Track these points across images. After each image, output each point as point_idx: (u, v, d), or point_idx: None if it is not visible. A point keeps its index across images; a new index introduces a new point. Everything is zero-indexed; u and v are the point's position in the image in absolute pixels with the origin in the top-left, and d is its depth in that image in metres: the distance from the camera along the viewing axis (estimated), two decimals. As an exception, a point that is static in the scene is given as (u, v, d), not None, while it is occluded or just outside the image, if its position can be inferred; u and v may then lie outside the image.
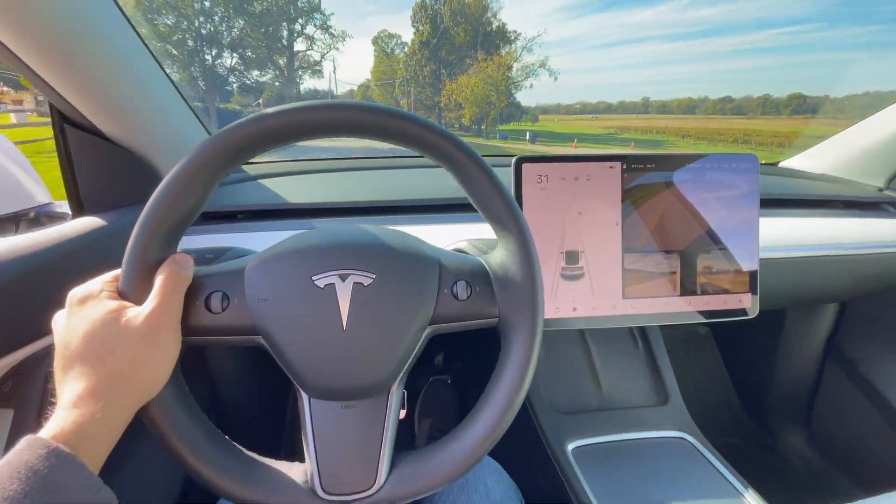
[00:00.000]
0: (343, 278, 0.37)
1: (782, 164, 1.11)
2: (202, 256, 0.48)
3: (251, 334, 0.38)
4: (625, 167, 0.61)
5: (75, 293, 0.34)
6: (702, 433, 0.70)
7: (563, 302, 0.62)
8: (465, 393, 1.11)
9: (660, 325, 0.83)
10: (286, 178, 0.81)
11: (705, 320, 0.64)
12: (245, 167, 0.87)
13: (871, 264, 0.83)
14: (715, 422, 1.19)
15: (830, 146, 1.03)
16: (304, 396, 0.38)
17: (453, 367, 1.16)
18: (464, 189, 0.41)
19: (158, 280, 0.35)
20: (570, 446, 0.67)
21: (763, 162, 1.11)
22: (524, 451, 0.73)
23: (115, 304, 0.34)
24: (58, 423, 0.29)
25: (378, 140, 0.40)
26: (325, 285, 0.37)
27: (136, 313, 0.33)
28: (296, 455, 0.40)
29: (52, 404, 0.32)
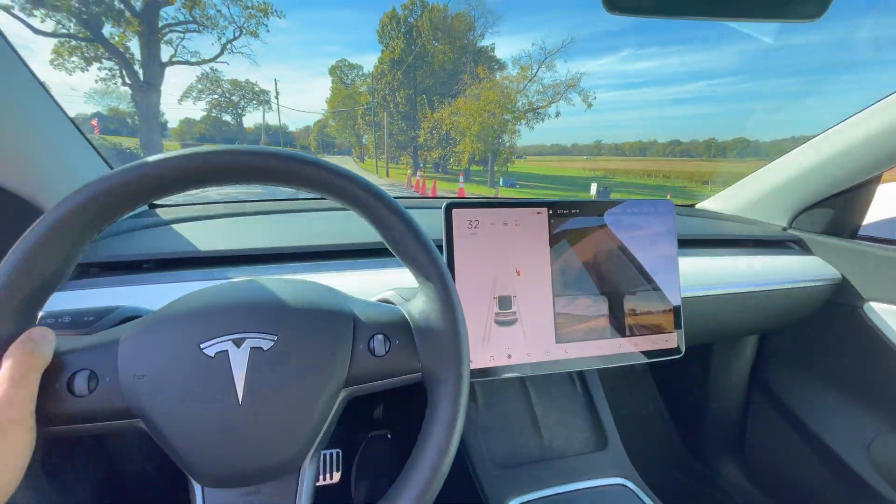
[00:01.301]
0: (238, 343, 0.33)
1: (699, 205, 1.20)
2: (79, 319, 0.42)
3: (126, 418, 0.32)
4: (551, 213, 0.63)
5: None
6: (640, 476, 0.70)
7: (497, 349, 0.60)
8: (407, 448, 1.04)
9: None
10: (202, 222, 0.75)
11: (637, 361, 0.65)
12: (158, 210, 0.80)
13: (780, 299, 0.89)
14: (655, 459, 1.20)
15: (741, 188, 1.13)
16: (196, 486, 0.33)
17: (394, 420, 1.10)
18: (379, 234, 0.38)
19: (6, 365, 0.29)
20: None
21: (680, 204, 1.19)
22: None
23: None
24: None
25: (278, 185, 0.36)
26: (216, 353, 0.33)
27: None
28: None
29: None
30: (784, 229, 1.04)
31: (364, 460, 0.97)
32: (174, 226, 0.72)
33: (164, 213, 0.78)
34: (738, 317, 0.91)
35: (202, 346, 0.33)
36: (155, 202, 0.82)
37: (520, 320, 0.61)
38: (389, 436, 1.05)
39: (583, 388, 0.80)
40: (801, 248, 1.00)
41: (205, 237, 0.69)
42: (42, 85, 0.57)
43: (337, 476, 0.90)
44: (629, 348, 0.65)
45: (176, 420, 0.32)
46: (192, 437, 0.32)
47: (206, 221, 0.76)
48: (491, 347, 0.60)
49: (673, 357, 0.67)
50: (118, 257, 0.62)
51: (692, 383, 1.18)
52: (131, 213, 0.77)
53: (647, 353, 0.65)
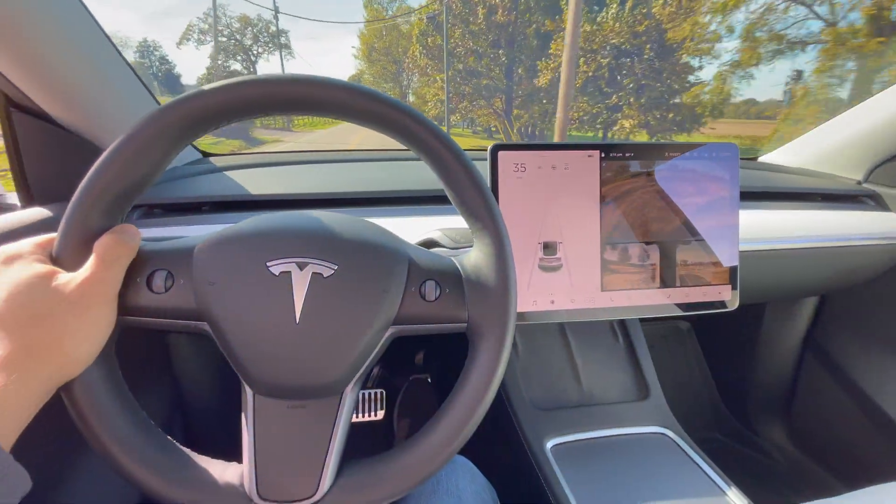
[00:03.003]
0: (301, 267, 0.35)
1: (762, 158, 1.11)
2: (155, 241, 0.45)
3: (195, 319, 0.35)
4: (603, 156, 0.60)
5: (2, 252, 0.31)
6: (682, 429, 0.69)
7: (541, 294, 0.60)
8: (445, 392, 1.09)
9: (640, 319, 0.82)
10: (253, 169, 0.78)
11: (685, 313, 0.63)
12: (212, 159, 0.84)
13: (850, 257, 0.83)
14: (696, 417, 1.18)
15: (809, 140, 1.03)
16: (249, 392, 0.35)
17: (434, 366, 1.14)
18: (441, 182, 0.39)
19: (98, 247, 0.32)
20: (549, 444, 0.65)
21: (743, 157, 1.11)
22: (501, 449, 0.71)
23: (44, 268, 0.30)
24: None
25: (355, 122, 0.37)
26: (280, 273, 0.34)
27: (68, 280, 0.30)
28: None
29: None
30: (859, 183, 0.95)
31: (405, 401, 1.02)
32: (227, 172, 0.76)
33: (217, 161, 0.81)
34: (798, 275, 0.85)
35: (268, 264, 0.34)
36: (207, 152, 0.86)
37: (565, 266, 0.60)
38: (429, 380, 1.09)
39: (625, 341, 0.79)
40: (878, 203, 0.91)
41: (257, 183, 0.71)
42: (104, 33, 0.60)
43: (381, 414, 0.96)
44: (679, 299, 0.63)
45: (238, 328, 0.34)
46: (250, 346, 0.34)
47: (256, 169, 0.79)
48: (534, 292, 0.60)
49: (724, 311, 0.64)
50: (180, 199, 0.66)
51: (739, 344, 1.14)
52: (188, 161, 0.81)
53: (697, 305, 0.63)
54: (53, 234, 0.33)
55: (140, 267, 0.34)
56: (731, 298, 0.65)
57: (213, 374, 0.84)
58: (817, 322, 1.05)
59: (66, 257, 0.32)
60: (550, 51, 14.00)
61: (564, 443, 0.66)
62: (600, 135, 13.89)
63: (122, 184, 0.33)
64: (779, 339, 1.07)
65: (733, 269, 0.65)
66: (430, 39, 17.73)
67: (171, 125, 0.33)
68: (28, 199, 0.59)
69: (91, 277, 0.31)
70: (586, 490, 0.58)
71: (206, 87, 0.33)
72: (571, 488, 0.58)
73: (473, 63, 16.55)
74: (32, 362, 0.28)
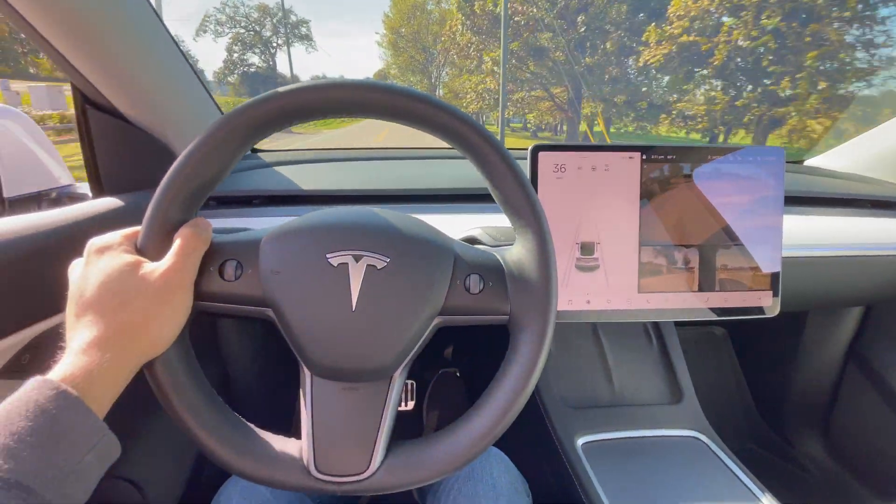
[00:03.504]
0: (356, 259, 0.37)
1: (808, 162, 1.08)
2: (219, 232, 0.48)
3: (261, 306, 0.38)
4: (644, 158, 0.60)
5: (94, 243, 0.35)
6: (717, 434, 0.69)
7: (577, 294, 0.60)
8: (473, 386, 1.11)
9: (675, 323, 0.81)
10: (301, 165, 0.81)
11: (723, 318, 0.63)
12: (261, 154, 0.88)
13: None
14: (728, 425, 1.16)
15: (858, 145, 0.99)
16: (307, 373, 0.38)
17: (463, 361, 1.16)
18: (485, 180, 0.41)
19: (178, 240, 0.35)
20: (580, 441, 0.66)
21: (787, 160, 1.08)
22: (532, 444, 0.73)
23: (132, 258, 0.34)
24: (67, 367, 0.29)
25: (404, 124, 0.40)
26: (339, 264, 0.37)
27: (153, 269, 0.33)
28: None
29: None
30: None
31: (435, 393, 1.05)
32: (276, 168, 0.79)
33: (265, 157, 0.85)
34: (844, 283, 0.82)
35: (328, 255, 0.37)
36: (256, 147, 0.90)
37: (602, 267, 0.61)
38: (458, 374, 1.11)
39: (659, 344, 0.78)
40: None
41: (304, 178, 0.75)
42: (173, 39, 0.64)
43: (411, 404, 0.98)
44: (717, 303, 0.62)
45: (300, 314, 0.37)
46: (310, 331, 0.37)
47: (303, 165, 0.82)
48: (570, 292, 0.60)
49: (764, 317, 0.63)
50: (233, 192, 0.70)
51: (777, 354, 1.11)
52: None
53: (736, 311, 0.63)
54: (138, 227, 0.36)
55: (213, 257, 0.37)
56: (771, 305, 0.64)
57: (256, 356, 0.89)
58: (861, 333, 1.01)
59: (149, 248, 0.35)
60: (673, 7, 8.16)
61: (595, 441, 0.66)
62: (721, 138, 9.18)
63: (196, 181, 0.36)
64: (820, 349, 1.03)
65: (775, 276, 0.64)
66: (477, 4, 12.49)
67: (239, 128, 0.36)
68: (99, 190, 0.64)
69: (172, 267, 0.34)
70: (618, 488, 0.59)
71: (268, 93, 0.36)
72: (602, 485, 0.59)
73: (531, 40, 10.67)
74: (123, 342, 0.31)
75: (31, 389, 0.27)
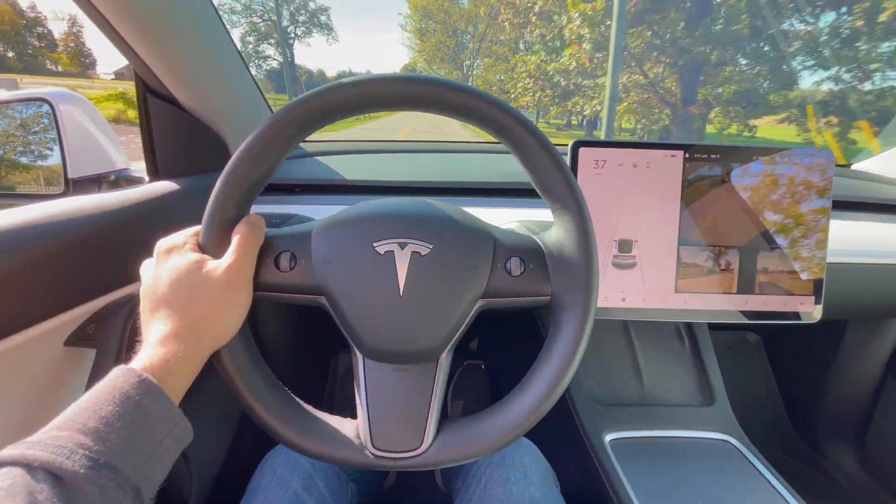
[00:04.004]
0: (402, 246, 0.39)
1: (855, 166, 1.04)
2: (269, 221, 0.51)
3: (314, 294, 0.39)
4: (687, 156, 0.59)
5: (162, 244, 0.37)
6: (748, 439, 0.68)
7: (612, 291, 0.61)
8: (497, 378, 1.12)
9: (708, 326, 0.80)
10: (341, 156, 0.83)
11: (761, 322, 0.62)
12: (302, 144, 0.90)
13: None
14: (758, 432, 1.13)
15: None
16: (359, 356, 0.40)
17: (487, 353, 1.17)
18: (522, 165, 0.41)
19: (236, 238, 0.37)
20: (608, 437, 0.66)
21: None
22: (560, 438, 0.73)
23: (197, 256, 0.36)
24: (146, 358, 0.32)
25: (445, 115, 0.40)
26: (385, 252, 0.38)
27: (216, 266, 0.36)
28: (336, 414, 0.41)
29: (135, 344, 0.35)
30: None
31: (460, 383, 1.06)
32: (317, 158, 0.82)
33: (307, 146, 0.88)
34: (889, 293, 0.80)
35: (375, 244, 0.39)
36: None
37: (639, 265, 0.61)
38: (482, 366, 1.13)
39: (691, 345, 0.78)
40: None
41: (343, 169, 0.77)
42: (229, 35, 0.67)
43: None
44: (756, 307, 0.61)
45: (351, 301, 0.38)
46: (361, 316, 0.38)
47: (340, 156, 0.84)
48: (605, 289, 0.61)
49: (805, 324, 0.62)
50: (276, 180, 0.73)
51: (813, 362, 1.07)
52: None
53: (775, 315, 0.62)
54: (199, 227, 0.39)
55: (268, 250, 0.39)
56: (813, 311, 0.63)
57: (290, 340, 0.92)
58: None
59: (210, 245, 0.37)
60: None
61: (623, 438, 0.67)
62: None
63: (249, 179, 0.38)
64: (859, 359, 1.00)
65: (818, 282, 0.62)
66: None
67: (288, 124, 0.37)
68: (154, 173, 0.67)
69: (234, 264, 0.36)
70: (645, 485, 0.59)
71: (314, 90, 0.37)
72: (630, 481, 0.59)
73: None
74: (195, 334, 0.34)
75: (117, 377, 0.29)
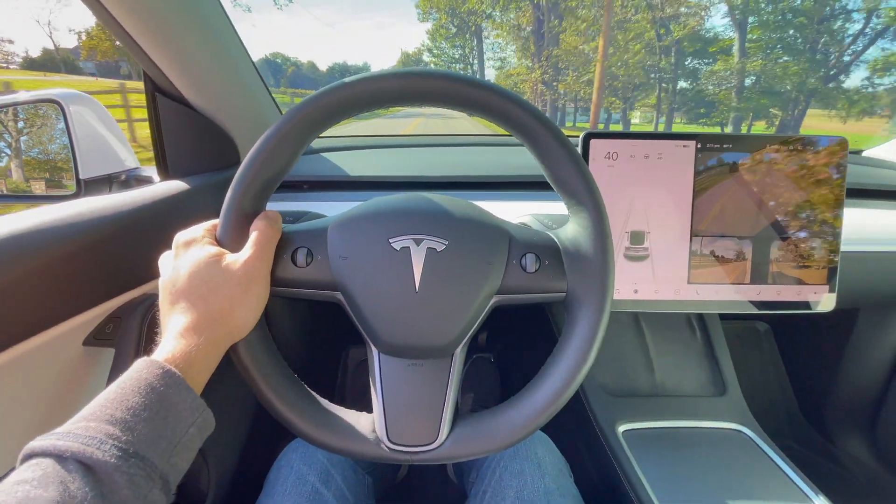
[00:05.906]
0: (417, 242, 0.39)
1: (867, 153, 1.02)
2: (283, 217, 0.51)
3: (331, 289, 0.40)
4: (699, 146, 0.59)
5: (180, 237, 0.37)
6: (761, 428, 0.68)
7: (624, 283, 0.61)
8: (506, 372, 1.12)
9: (719, 317, 0.80)
10: (348, 152, 0.83)
11: (775, 311, 0.61)
12: None
13: None
14: (769, 421, 1.13)
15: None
16: (374, 351, 0.40)
17: (496, 348, 1.17)
18: (538, 160, 0.41)
19: (254, 232, 0.37)
20: (621, 429, 0.67)
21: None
22: (573, 430, 0.74)
23: (215, 249, 0.36)
24: (168, 349, 0.32)
25: (460, 110, 0.40)
26: (401, 248, 0.38)
27: (235, 259, 0.36)
28: (348, 408, 0.42)
29: (153, 343, 0.35)
30: None
31: (470, 376, 1.07)
32: (323, 154, 0.82)
33: (313, 143, 0.88)
34: None
35: (391, 240, 0.39)
36: None
37: (651, 257, 0.60)
38: (492, 360, 1.13)
39: (702, 336, 0.78)
40: None
41: (350, 165, 0.77)
42: (237, 35, 0.67)
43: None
44: (770, 297, 0.61)
45: (367, 296, 0.39)
46: (377, 311, 0.39)
47: (349, 151, 0.84)
48: (617, 280, 0.60)
49: (819, 313, 0.62)
50: (285, 177, 0.73)
51: (824, 351, 1.07)
52: None
53: (789, 305, 0.61)
54: (216, 221, 0.39)
55: (286, 245, 0.40)
56: (826, 300, 0.62)
57: (301, 334, 0.93)
58: None
59: (228, 239, 0.38)
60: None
61: (636, 429, 0.67)
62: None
63: (266, 174, 0.38)
64: (870, 348, 0.99)
65: (832, 270, 0.62)
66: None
67: (303, 120, 0.37)
68: (164, 173, 0.68)
69: (252, 258, 0.36)
70: (660, 475, 0.59)
71: (326, 87, 0.38)
72: (644, 471, 0.59)
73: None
74: (214, 327, 0.34)
75: (141, 369, 0.30)
